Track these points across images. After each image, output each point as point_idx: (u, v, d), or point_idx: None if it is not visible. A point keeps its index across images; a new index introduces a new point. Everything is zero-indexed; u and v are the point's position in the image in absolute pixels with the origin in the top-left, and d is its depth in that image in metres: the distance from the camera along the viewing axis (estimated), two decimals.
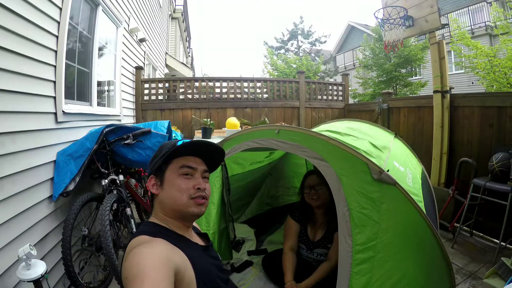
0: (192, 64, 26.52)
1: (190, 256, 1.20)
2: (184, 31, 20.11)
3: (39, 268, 2.00)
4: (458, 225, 3.81)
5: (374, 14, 4.92)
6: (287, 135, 2.10)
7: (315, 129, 3.51)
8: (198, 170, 1.37)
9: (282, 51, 24.03)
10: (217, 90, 6.71)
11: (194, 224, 1.55)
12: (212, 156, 1.45)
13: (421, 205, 1.96)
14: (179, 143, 1.37)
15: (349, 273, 1.71)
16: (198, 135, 5.34)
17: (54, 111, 2.81)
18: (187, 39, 24.03)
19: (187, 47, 24.99)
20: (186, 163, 1.35)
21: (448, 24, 5.27)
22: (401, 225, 1.76)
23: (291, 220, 2.83)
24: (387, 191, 1.75)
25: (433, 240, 1.77)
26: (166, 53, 12.32)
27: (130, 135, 3.08)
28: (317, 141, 1.95)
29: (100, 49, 4.24)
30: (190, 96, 6.58)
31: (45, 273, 2.02)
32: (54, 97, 2.81)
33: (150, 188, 1.35)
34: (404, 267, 1.73)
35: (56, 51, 2.84)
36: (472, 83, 16.13)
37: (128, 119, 5.62)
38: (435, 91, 4.63)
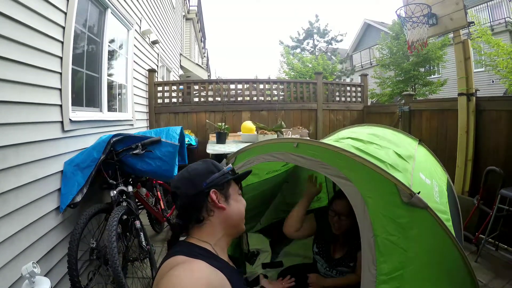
0: (207, 64, 26.57)
1: (230, 280, 1.13)
2: (199, 32, 20.14)
3: (43, 286, 1.90)
4: (483, 236, 3.59)
5: (396, 12, 4.69)
6: (306, 150, 1.92)
7: (335, 134, 3.34)
8: None
9: (298, 50, 23.84)
10: (232, 92, 6.61)
11: None
12: None
13: (449, 224, 1.80)
14: (229, 168, 1.44)
15: None
16: (212, 139, 5.24)
17: (61, 120, 2.73)
18: (202, 39, 24.06)
19: (202, 48, 25.05)
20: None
21: (473, 22, 5.02)
22: (430, 253, 1.61)
23: (313, 218, 2.72)
24: (417, 215, 1.59)
25: (464, 269, 1.61)
26: (181, 54, 12.27)
27: (139, 144, 2.96)
28: (340, 157, 1.76)
29: (110, 52, 4.16)
30: (204, 99, 6.49)
31: None
32: (60, 105, 2.73)
33: (216, 202, 1.28)
34: None
35: (61, 58, 2.75)
36: (492, 81, 15.70)
37: (141, 123, 5.55)
38: (460, 94, 4.40)
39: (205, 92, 6.49)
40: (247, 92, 6.69)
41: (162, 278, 1.04)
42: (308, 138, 4.68)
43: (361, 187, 1.67)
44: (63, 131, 2.76)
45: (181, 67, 12.20)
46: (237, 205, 1.36)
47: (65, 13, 2.80)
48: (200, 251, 1.19)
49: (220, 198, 1.30)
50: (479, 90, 4.60)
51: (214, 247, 1.24)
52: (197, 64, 14.60)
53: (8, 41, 2.06)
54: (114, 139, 2.92)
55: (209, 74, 18.95)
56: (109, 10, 3.94)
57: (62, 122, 2.74)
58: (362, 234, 1.63)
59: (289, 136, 5.20)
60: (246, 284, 2.77)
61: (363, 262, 1.61)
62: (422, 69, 16.97)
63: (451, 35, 4.62)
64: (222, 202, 1.30)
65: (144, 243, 2.82)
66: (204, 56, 26.53)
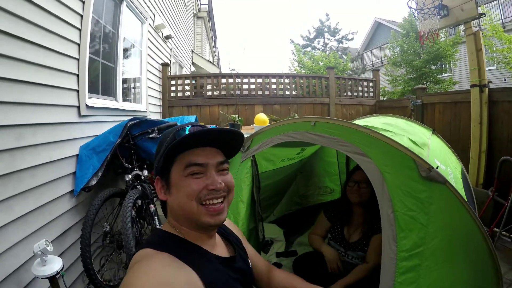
0: (218, 63, 26.59)
1: (202, 274, 0.96)
2: (210, 30, 20.18)
3: (55, 264, 1.92)
4: (497, 229, 3.52)
5: (407, 3, 4.68)
6: (324, 128, 1.91)
7: None
8: (210, 165, 1.05)
9: (309, 48, 23.78)
10: (245, 87, 6.65)
11: (226, 224, 1.33)
12: (229, 143, 1.13)
13: None
14: (186, 129, 1.07)
15: (392, 283, 1.51)
16: None
17: (77, 105, 2.76)
18: (213, 38, 24.11)
19: (213, 46, 25.09)
20: (193, 159, 1.03)
21: (484, 14, 4.99)
22: (451, 229, 1.56)
23: (324, 217, 2.70)
24: (436, 190, 1.55)
25: (483, 245, 1.56)
26: (193, 51, 12.31)
27: (155, 128, 2.98)
28: (358, 134, 1.76)
29: (125, 45, 4.22)
30: (217, 93, 6.53)
31: (62, 270, 1.94)
32: (77, 90, 2.77)
33: (158, 193, 1.10)
34: (453, 276, 1.53)
35: (79, 44, 2.80)
36: (505, 79, 15.41)
37: (154, 116, 5.62)
38: (472, 85, 4.36)
39: (218, 86, 6.54)
40: (259, 86, 6.73)
41: (127, 273, 0.92)
42: None
43: (379, 162, 1.65)
44: (80, 115, 2.79)
45: (193, 63, 12.24)
46: (177, 195, 1.04)
47: (83, 2, 2.86)
48: (170, 240, 1.04)
49: (164, 187, 1.08)
50: (491, 82, 4.55)
51: (184, 235, 1.07)
52: (208, 61, 14.66)
53: (30, 25, 2.12)
54: (130, 123, 2.93)
55: (220, 71, 18.98)
56: (124, 3, 3.99)
57: (78, 107, 2.77)
58: (381, 210, 1.61)
59: None
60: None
61: (383, 240, 1.59)
62: (434, 67, 16.79)
63: (462, 32, 4.59)
64: (164, 191, 1.08)
65: (159, 227, 2.81)
66: (215, 55, 26.57)
